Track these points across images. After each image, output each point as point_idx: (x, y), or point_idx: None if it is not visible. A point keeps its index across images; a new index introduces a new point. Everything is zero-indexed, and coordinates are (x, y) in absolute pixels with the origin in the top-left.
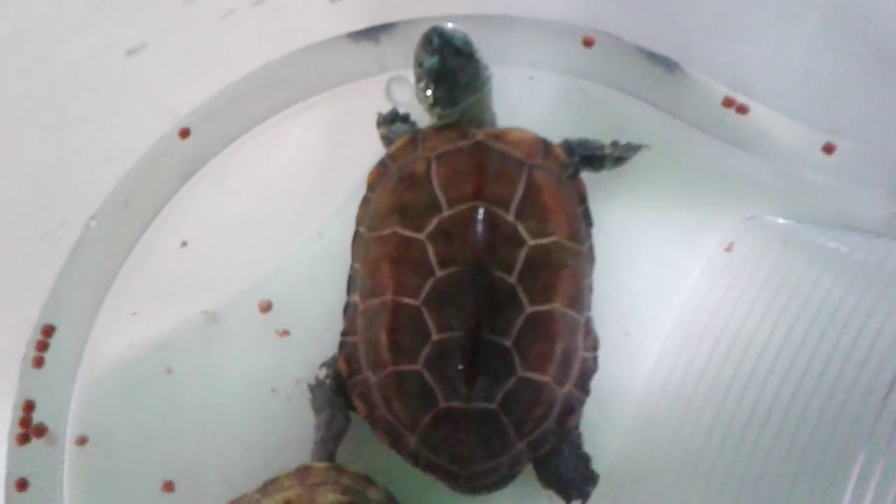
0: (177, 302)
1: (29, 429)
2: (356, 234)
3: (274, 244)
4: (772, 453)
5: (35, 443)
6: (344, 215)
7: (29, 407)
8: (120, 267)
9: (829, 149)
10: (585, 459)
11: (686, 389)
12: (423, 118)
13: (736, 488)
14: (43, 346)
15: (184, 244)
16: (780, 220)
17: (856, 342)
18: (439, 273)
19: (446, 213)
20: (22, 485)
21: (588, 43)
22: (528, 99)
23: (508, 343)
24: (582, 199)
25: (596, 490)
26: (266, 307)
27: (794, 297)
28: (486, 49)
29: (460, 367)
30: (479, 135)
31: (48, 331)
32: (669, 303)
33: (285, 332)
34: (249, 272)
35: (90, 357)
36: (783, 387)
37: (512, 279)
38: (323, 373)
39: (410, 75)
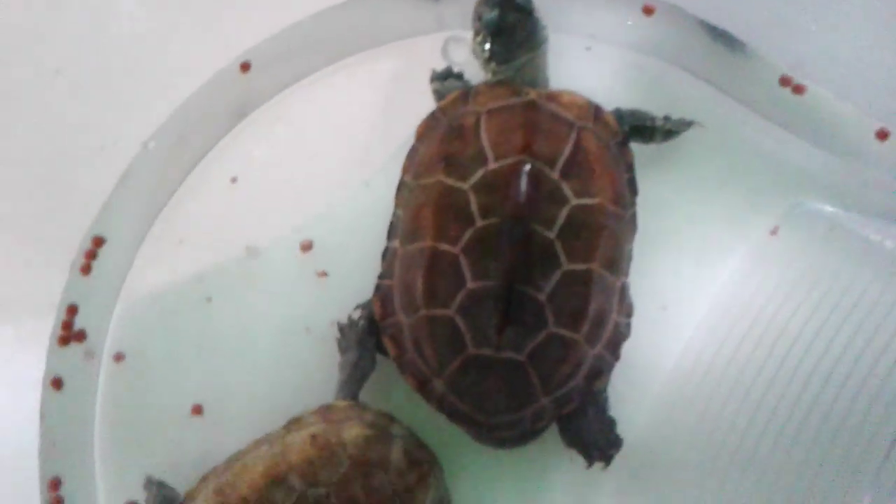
0: (222, 235)
1: (70, 332)
2: (401, 183)
3: (320, 190)
4: (796, 443)
5: (74, 347)
6: (391, 168)
7: (72, 311)
8: (171, 195)
9: (882, 135)
10: (610, 423)
11: (716, 370)
12: (476, 78)
13: (757, 474)
14: (92, 255)
15: (233, 180)
16: (828, 208)
17: (893, 339)
18: (480, 223)
19: (492, 165)
20: (58, 384)
21: (648, 11)
22: (583, 69)
23: (542, 297)
24: (628, 166)
25: (617, 460)
26: (307, 247)
27: (833, 287)
28: (546, 14)
29: (493, 316)
30: (532, 94)
31: (98, 241)
32: (709, 282)
33: (323, 274)
34: (294, 214)
35: (134, 277)
36: (813, 377)
37: (551, 235)
38: (357, 314)
39: (468, 35)
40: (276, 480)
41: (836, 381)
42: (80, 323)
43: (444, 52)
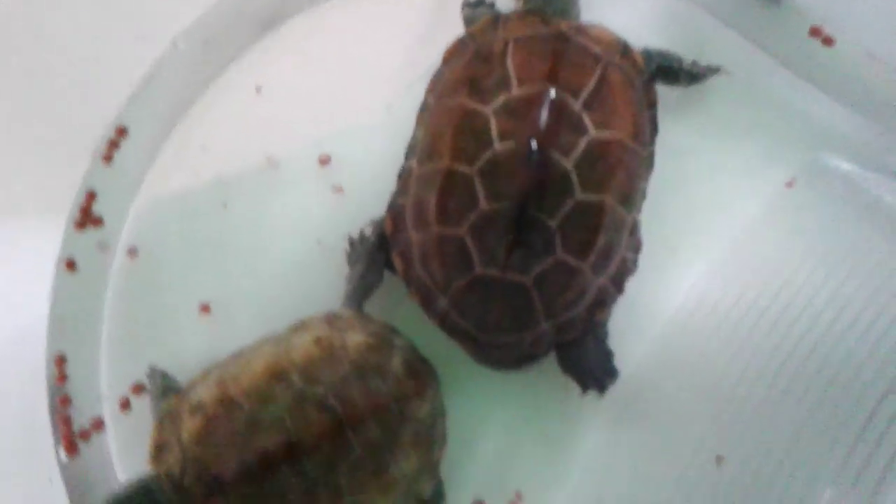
0: (243, 143)
1: (88, 217)
2: (423, 104)
3: (342, 107)
4: (789, 391)
5: (90, 232)
6: (414, 92)
7: (91, 197)
8: (196, 98)
9: None
10: (608, 355)
11: (719, 314)
12: (507, 7)
13: (747, 418)
14: (115, 145)
15: (258, 90)
16: (845, 165)
17: (893, 300)
18: (497, 147)
19: (515, 91)
20: (71, 265)
21: None
22: (615, 7)
23: (553, 224)
24: (651, 105)
25: (611, 393)
26: (325, 162)
27: (842, 243)
28: None
29: (502, 238)
30: (562, 25)
31: (122, 131)
32: (721, 228)
33: (339, 190)
34: (315, 128)
35: (154, 176)
36: (813, 330)
37: (568, 165)
38: (368, 229)
39: None
40: (277, 376)
41: (835, 334)
42: (97, 210)
43: None
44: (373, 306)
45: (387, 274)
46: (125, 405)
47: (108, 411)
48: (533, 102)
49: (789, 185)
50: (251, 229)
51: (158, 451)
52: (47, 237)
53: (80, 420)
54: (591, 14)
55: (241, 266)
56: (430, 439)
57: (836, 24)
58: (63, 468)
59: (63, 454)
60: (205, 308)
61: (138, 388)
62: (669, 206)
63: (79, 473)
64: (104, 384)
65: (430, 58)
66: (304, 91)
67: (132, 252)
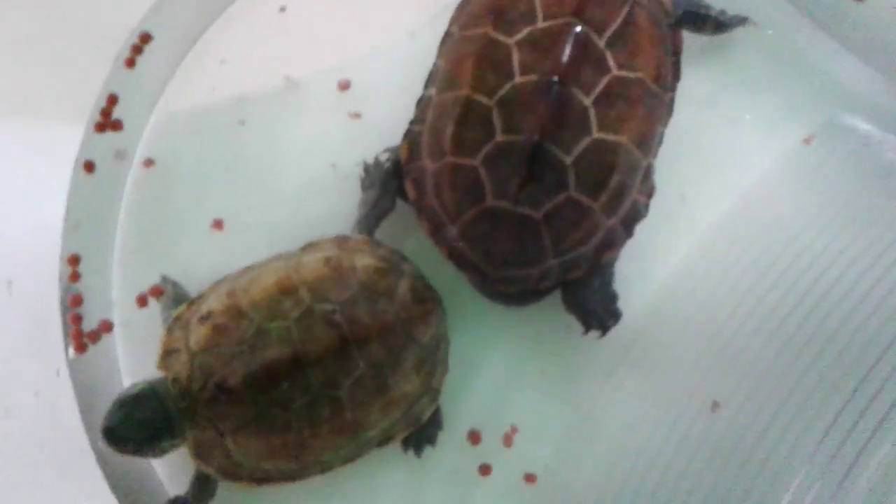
0: (264, 62)
1: (108, 120)
2: (447, 33)
3: (365, 33)
4: (787, 346)
5: (109, 136)
6: (438, 23)
7: (112, 100)
8: (221, 11)
9: None
10: (612, 296)
11: (724, 265)
12: None
13: (743, 369)
14: (137, 50)
15: (282, 9)
16: (864, 126)
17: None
18: (518, 79)
19: (540, 24)
20: (90, 167)
21: None
22: None
23: (568, 161)
24: (676, 50)
25: (612, 336)
26: (344, 87)
27: (853, 203)
28: None
29: (516, 171)
30: None
31: (145, 38)
32: (734, 181)
33: (356, 115)
34: (336, 52)
35: (174, 88)
36: (816, 287)
37: (587, 102)
38: (384, 156)
39: None
40: (286, 291)
41: (837, 294)
42: (118, 114)
43: None
44: (383, 234)
45: (399, 203)
46: (143, 302)
47: (118, 316)
48: (557, 36)
49: (807, 141)
50: (267, 149)
51: (167, 356)
52: (68, 140)
53: (90, 321)
54: None
55: (255, 184)
56: (433, 364)
57: None
58: (71, 364)
59: (72, 351)
60: (217, 224)
61: (156, 291)
62: (684, 154)
63: (86, 371)
64: (115, 290)
65: None
66: (328, 14)
67: (149, 162)
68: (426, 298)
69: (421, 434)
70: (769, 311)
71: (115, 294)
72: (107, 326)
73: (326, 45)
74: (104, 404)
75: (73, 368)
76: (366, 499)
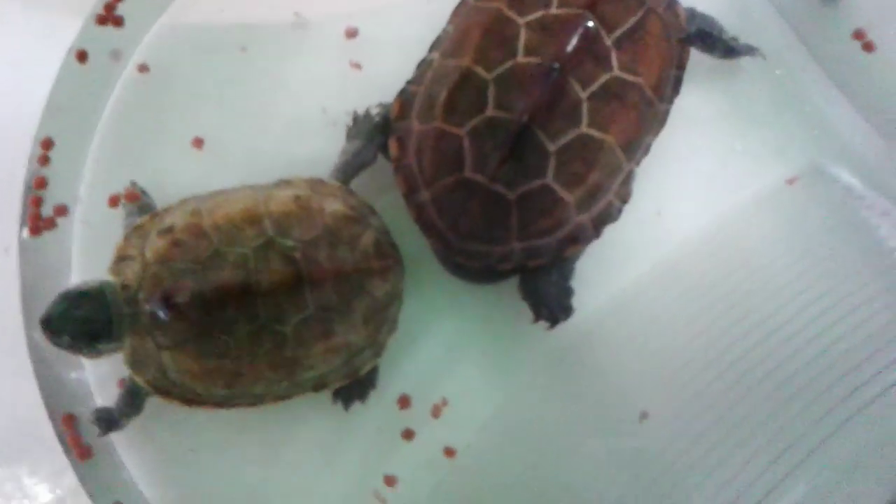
0: None
1: (111, 14)
2: (462, 1)
3: None
4: (729, 370)
5: (109, 31)
6: None
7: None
8: None
9: None
10: (568, 292)
11: (683, 284)
12: None
13: (679, 387)
14: None
15: None
16: (849, 177)
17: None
18: (520, 59)
19: (553, 10)
20: (82, 57)
21: None
22: None
23: (552, 148)
24: (680, 65)
25: (560, 330)
26: (351, 35)
27: (822, 252)
28: None
29: (499, 148)
30: None
31: None
32: (711, 206)
33: (357, 66)
34: (349, 1)
35: (180, 6)
36: (769, 320)
37: (583, 95)
38: (375, 109)
39: None
40: (250, 220)
41: (784, 333)
42: (122, 11)
43: None
44: (358, 185)
45: (380, 160)
46: (114, 202)
47: (80, 212)
48: (567, 25)
49: (790, 182)
50: (262, 79)
51: (120, 261)
52: (67, 29)
53: (50, 207)
54: None
55: (243, 112)
56: (381, 320)
57: (882, 31)
58: (22, 244)
59: (26, 232)
60: (198, 142)
61: (132, 197)
62: (669, 169)
63: (35, 256)
64: (83, 186)
65: None
66: None
67: (143, 68)
68: (387, 254)
69: (354, 388)
70: (716, 337)
71: (82, 189)
72: (61, 211)
73: None
74: (47, 295)
75: (24, 248)
76: (286, 441)
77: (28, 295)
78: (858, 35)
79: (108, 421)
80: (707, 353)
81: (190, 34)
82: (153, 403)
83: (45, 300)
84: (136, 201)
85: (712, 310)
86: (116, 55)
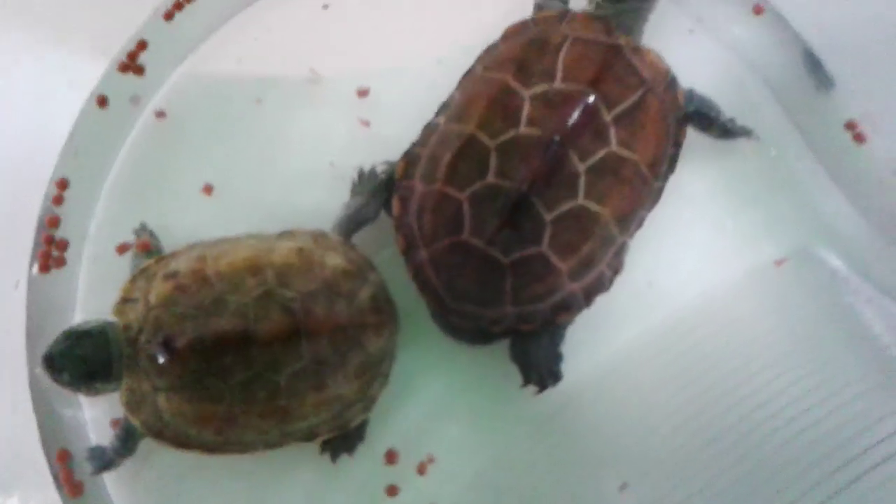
0: (294, 49)
1: (133, 63)
2: (470, 69)
3: (397, 49)
4: (706, 447)
5: (130, 79)
6: (465, 57)
7: (142, 46)
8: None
9: None
10: (557, 357)
11: (668, 356)
12: (578, 8)
13: (658, 458)
14: (179, 7)
15: (325, 7)
16: (837, 262)
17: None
18: (523, 130)
19: (557, 85)
20: (102, 102)
21: (758, 11)
22: (677, 46)
23: (548, 218)
24: (677, 143)
25: (547, 394)
26: (363, 94)
27: (805, 336)
28: None
29: (497, 214)
30: (622, 39)
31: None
32: (700, 280)
33: (366, 123)
34: (365, 59)
35: (204, 49)
36: (747, 400)
37: (580, 168)
38: (381, 167)
39: None
40: (253, 269)
41: (766, 412)
42: (143, 60)
43: None
44: (360, 240)
45: (381, 216)
46: (123, 250)
47: (89, 251)
48: (569, 100)
49: (779, 263)
50: (274, 131)
51: (124, 302)
52: (90, 73)
53: (60, 245)
54: (654, 41)
55: (254, 161)
56: (374, 374)
57: (874, 124)
58: (31, 280)
59: (36, 269)
60: (207, 188)
61: (143, 246)
62: (662, 243)
63: (43, 292)
64: (94, 225)
65: (491, 31)
66: (365, 22)
67: (160, 114)
68: (383, 310)
69: (343, 440)
70: (698, 410)
71: (92, 228)
72: (71, 248)
73: (357, 50)
74: (51, 331)
75: (32, 284)
76: (272, 489)
77: (33, 330)
78: (850, 126)
79: (102, 460)
80: (689, 425)
81: (207, 83)
82: (145, 445)
83: (49, 336)
84: (148, 251)
85: (697, 384)
86: (135, 101)
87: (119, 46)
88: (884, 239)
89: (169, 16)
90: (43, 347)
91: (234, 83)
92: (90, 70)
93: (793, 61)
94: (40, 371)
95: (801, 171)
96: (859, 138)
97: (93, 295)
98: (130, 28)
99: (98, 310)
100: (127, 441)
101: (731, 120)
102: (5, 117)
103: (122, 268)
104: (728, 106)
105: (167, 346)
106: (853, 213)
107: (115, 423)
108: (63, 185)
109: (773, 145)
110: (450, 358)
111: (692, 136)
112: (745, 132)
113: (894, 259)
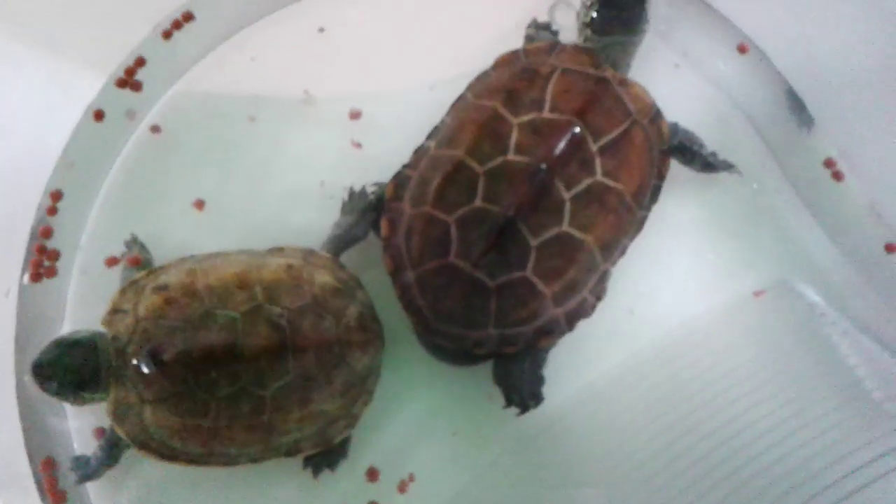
0: (289, 70)
1: (130, 79)
2: (461, 96)
3: (390, 75)
4: (681, 475)
5: (127, 95)
6: (456, 84)
7: (140, 62)
8: (262, 16)
9: (891, 248)
10: (539, 380)
11: (650, 382)
12: (568, 41)
13: (636, 484)
14: (177, 26)
15: (321, 30)
16: (813, 295)
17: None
18: (511, 157)
19: (545, 114)
20: (99, 116)
21: (742, 49)
22: (663, 81)
23: (533, 243)
24: (660, 175)
25: (529, 416)
26: (355, 116)
27: (781, 368)
28: (655, 14)
29: (484, 238)
30: (609, 72)
31: (188, 16)
32: (679, 309)
33: (358, 145)
34: (359, 83)
35: (201, 68)
36: (722, 429)
37: (566, 196)
38: (371, 188)
39: (577, 2)
40: (242, 284)
41: (743, 439)
42: (140, 76)
43: (552, 10)
44: (348, 259)
45: (370, 236)
46: (112, 263)
47: (80, 261)
48: (556, 129)
49: (757, 294)
50: (266, 149)
51: (114, 314)
52: (87, 87)
53: (51, 255)
54: (640, 75)
55: (246, 179)
56: (359, 392)
57: (851, 163)
58: (22, 289)
59: (27, 278)
60: (199, 204)
61: (134, 261)
62: (644, 272)
63: (33, 301)
64: (85, 236)
65: (482, 59)
66: (360, 48)
67: (155, 129)
68: (370, 328)
69: (325, 456)
70: (677, 436)
71: (83, 239)
72: (62, 258)
73: (351, 74)
74: (40, 340)
75: (23, 293)
76: (253, 503)
77: (21, 339)
78: (829, 163)
79: (86, 469)
80: (668, 451)
81: (203, 101)
82: (128, 455)
83: (38, 345)
84: (138, 265)
85: (676, 410)
86: (131, 115)
87: (117, 62)
88: (861, 275)
89: (167, 35)
90: (31, 356)
91: (229, 101)
92: (88, 84)
93: (775, 99)
94: (28, 379)
95: (781, 206)
96: (837, 176)
97: (82, 306)
98: (129, 45)
99: (87, 321)
100: (111, 451)
101: (714, 154)
102: (3, 128)
103: (112, 280)
104: (711, 140)
105: (155, 357)
106: (832, 248)
107: (98, 432)
108: (57, 196)
109: (755, 179)
110: (433, 378)
111: (675, 168)
112: (727, 166)
113: (870, 295)
